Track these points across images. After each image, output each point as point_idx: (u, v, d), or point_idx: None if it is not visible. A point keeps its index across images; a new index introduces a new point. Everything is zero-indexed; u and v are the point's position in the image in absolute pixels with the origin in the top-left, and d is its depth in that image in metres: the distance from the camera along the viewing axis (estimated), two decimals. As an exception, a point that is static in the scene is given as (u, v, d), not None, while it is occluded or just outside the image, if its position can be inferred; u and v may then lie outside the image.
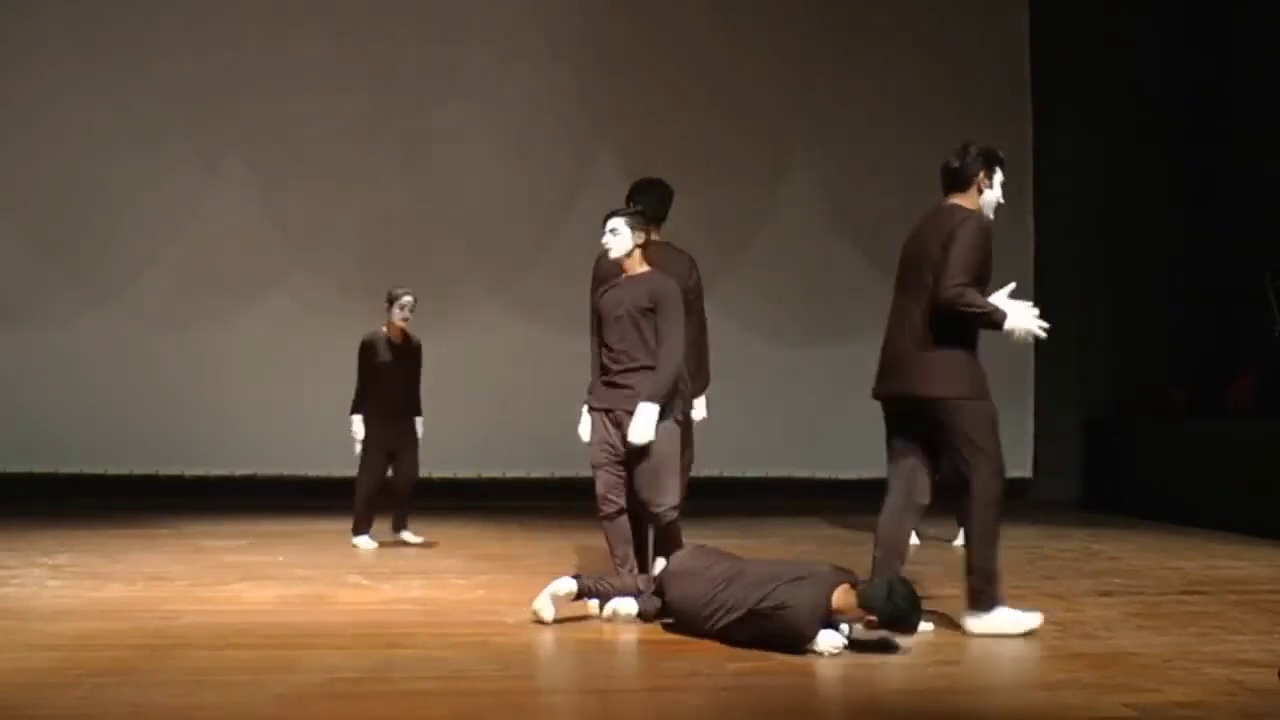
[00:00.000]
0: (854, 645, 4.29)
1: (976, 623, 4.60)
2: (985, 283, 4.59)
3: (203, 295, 10.17)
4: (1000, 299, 4.57)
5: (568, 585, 4.76)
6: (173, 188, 10.20)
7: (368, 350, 7.44)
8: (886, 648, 4.29)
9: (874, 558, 4.76)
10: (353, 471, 10.11)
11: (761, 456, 10.37)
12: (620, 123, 10.68)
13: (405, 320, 7.44)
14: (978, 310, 4.51)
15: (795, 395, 10.45)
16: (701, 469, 10.26)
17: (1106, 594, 5.62)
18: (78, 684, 3.69)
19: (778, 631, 4.23)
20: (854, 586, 4.29)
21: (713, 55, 10.82)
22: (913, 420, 4.68)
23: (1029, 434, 11.03)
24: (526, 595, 5.35)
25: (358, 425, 7.37)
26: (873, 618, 4.22)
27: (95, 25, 10.22)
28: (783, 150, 10.89)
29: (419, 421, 7.51)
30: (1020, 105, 11.15)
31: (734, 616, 4.32)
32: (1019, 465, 11.01)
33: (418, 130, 10.46)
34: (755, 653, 4.23)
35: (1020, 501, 10.61)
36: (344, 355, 9.99)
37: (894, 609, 4.16)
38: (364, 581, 5.84)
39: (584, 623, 4.80)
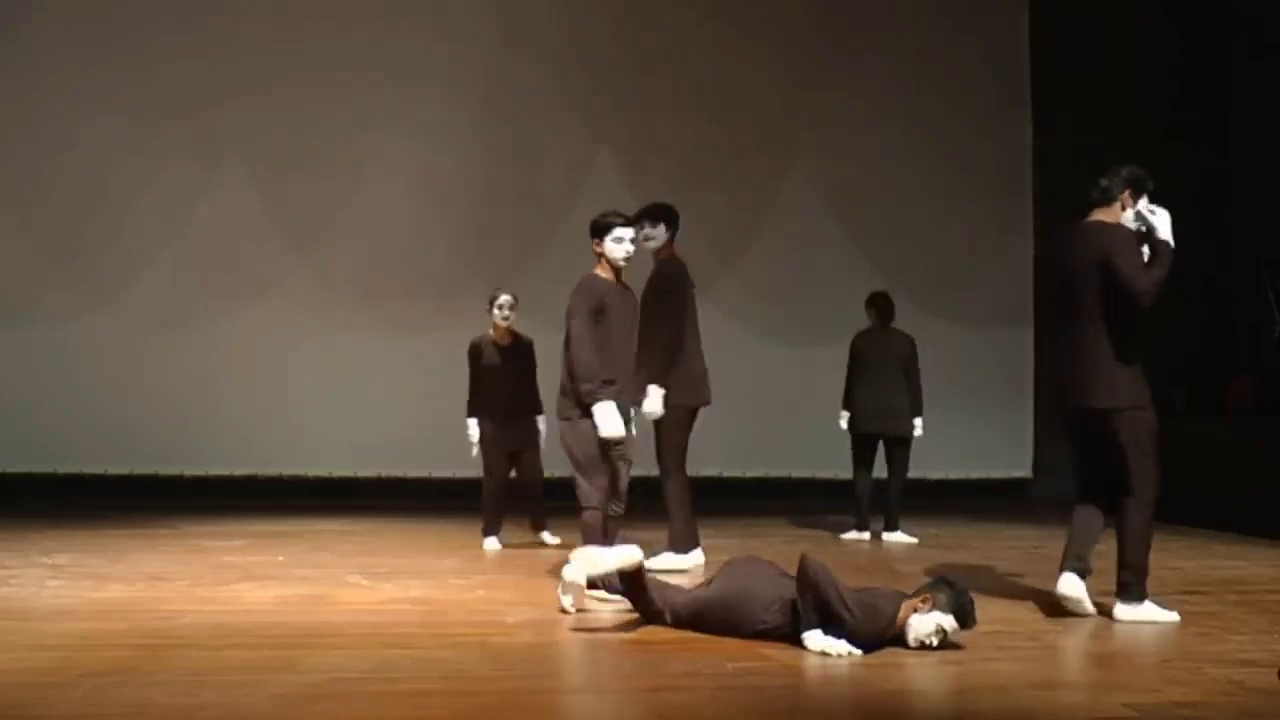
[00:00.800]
0: (919, 647, 4.27)
1: (1127, 611, 4.95)
2: None
3: (202, 295, 10.18)
4: (1161, 226, 5.07)
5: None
6: (171, 188, 10.20)
7: (474, 353, 7.47)
8: (946, 647, 4.29)
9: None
10: (352, 472, 10.18)
11: (761, 457, 10.38)
12: (619, 123, 10.70)
13: (506, 320, 7.44)
14: (1167, 271, 4.97)
15: (794, 396, 10.44)
16: (701, 469, 10.30)
17: (1107, 594, 5.62)
18: (77, 684, 3.69)
19: (846, 625, 4.23)
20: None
21: (712, 56, 10.82)
22: (1089, 428, 5.07)
23: (1029, 433, 11.04)
24: (526, 595, 5.37)
25: (473, 428, 7.37)
26: (926, 596, 4.29)
27: (94, 25, 10.23)
28: (782, 150, 10.90)
29: (541, 420, 7.48)
30: (1020, 106, 11.16)
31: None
32: (1019, 465, 11.02)
33: (417, 130, 10.46)
34: (754, 653, 4.23)
35: (1020, 501, 10.63)
36: (343, 355, 10.07)
37: (955, 595, 4.29)
38: (364, 582, 5.84)
39: (585, 621, 4.81)
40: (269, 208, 10.34)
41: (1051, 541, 7.97)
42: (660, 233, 6.53)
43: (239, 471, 10.03)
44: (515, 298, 7.47)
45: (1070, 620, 4.99)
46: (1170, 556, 7.11)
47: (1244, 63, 10.42)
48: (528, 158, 10.53)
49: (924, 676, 3.99)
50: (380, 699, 3.61)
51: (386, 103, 10.39)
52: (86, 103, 10.12)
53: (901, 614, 4.32)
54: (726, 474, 9.94)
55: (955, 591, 4.32)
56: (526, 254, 10.29)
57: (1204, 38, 10.78)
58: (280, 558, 6.65)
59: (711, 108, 10.72)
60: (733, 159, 10.72)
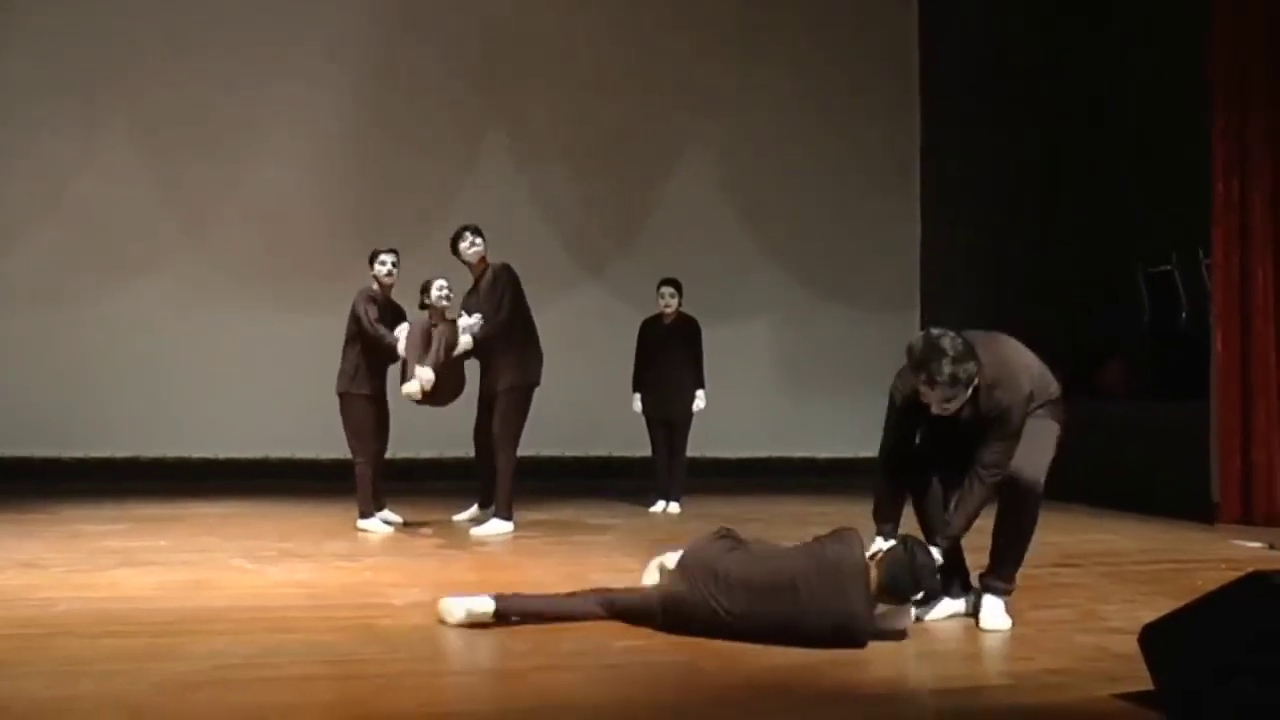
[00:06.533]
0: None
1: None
2: None
3: (81, 273, 9.81)
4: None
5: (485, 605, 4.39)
6: (48, 158, 9.81)
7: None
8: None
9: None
10: (238, 454, 9.99)
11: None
12: (511, 105, 10.63)
13: (438, 300, 7.55)
14: None
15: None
16: (591, 450, 10.36)
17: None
18: (-56, 675, 3.57)
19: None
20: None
21: (606, 40, 10.82)
22: None
23: (915, 415, 11.29)
24: (412, 578, 5.34)
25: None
26: (880, 555, 4.20)
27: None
28: (674, 136, 10.94)
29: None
30: (908, 102, 11.36)
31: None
32: (904, 445, 11.26)
33: (307, 108, 10.24)
34: (642, 631, 4.27)
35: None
36: (230, 337, 9.84)
37: (894, 558, 4.15)
38: (248, 566, 5.74)
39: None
40: (152, 183, 10.01)
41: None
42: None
43: (120, 454, 9.72)
44: (445, 282, 7.58)
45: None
46: (1047, 532, 7.27)
47: (1126, 59, 10.68)
48: (419, 139, 10.39)
49: (805, 653, 4.05)
50: (264, 684, 3.56)
51: (276, 81, 10.11)
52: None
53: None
54: (616, 454, 10.03)
55: (895, 554, 4.16)
56: (416, 236, 10.14)
57: (1088, 34, 11.02)
58: (162, 542, 6.50)
59: (604, 92, 10.71)
60: (625, 143, 10.74)
